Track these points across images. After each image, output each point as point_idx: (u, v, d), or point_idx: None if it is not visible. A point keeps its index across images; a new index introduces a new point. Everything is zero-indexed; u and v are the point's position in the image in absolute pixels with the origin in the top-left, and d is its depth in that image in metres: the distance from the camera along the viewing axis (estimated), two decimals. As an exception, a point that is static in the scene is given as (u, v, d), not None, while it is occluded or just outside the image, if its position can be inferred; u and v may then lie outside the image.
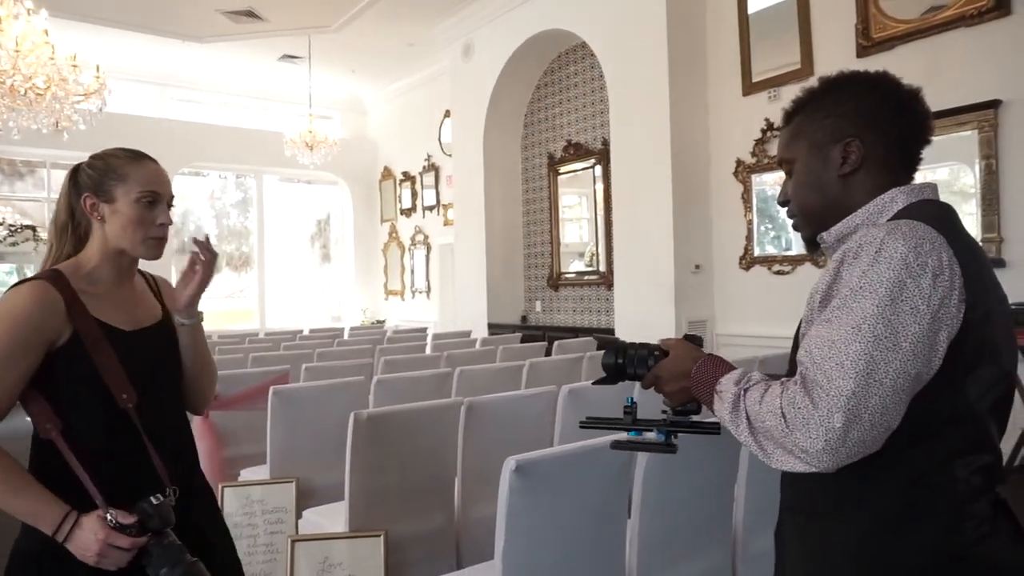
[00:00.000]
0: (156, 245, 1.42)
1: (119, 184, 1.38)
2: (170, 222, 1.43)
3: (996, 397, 0.97)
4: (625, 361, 1.14)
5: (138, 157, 1.43)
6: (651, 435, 1.15)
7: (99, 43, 8.94)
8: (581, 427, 1.21)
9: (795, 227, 1.17)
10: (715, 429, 1.13)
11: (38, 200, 9.99)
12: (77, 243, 1.42)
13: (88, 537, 1.21)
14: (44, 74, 5.47)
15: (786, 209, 1.18)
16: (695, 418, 1.13)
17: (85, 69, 5.85)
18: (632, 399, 1.17)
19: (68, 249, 1.42)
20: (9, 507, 1.23)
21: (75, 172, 1.43)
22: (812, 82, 1.17)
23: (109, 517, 1.23)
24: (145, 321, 1.45)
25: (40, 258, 8.81)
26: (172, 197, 1.46)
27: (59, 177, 10.17)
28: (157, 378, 1.42)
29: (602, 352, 1.20)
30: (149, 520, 1.25)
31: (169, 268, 9.17)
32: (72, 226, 1.42)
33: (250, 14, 8.44)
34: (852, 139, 1.06)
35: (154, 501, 1.26)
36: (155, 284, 1.56)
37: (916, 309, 0.88)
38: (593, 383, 1.22)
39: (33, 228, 9.12)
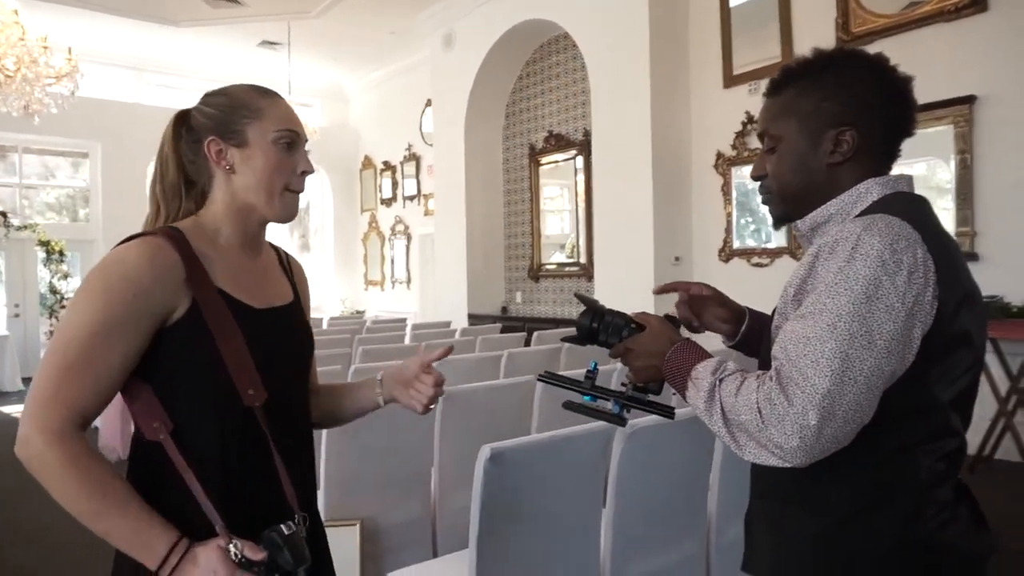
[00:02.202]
0: (294, 201, 1.15)
1: (253, 121, 1.10)
2: (312, 169, 1.16)
3: (964, 385, 0.97)
4: (600, 327, 1.12)
5: (267, 91, 1.14)
6: (607, 405, 1.13)
7: (72, 25, 8.75)
8: (539, 380, 1.18)
9: (766, 202, 1.14)
10: (670, 413, 1.13)
11: (9, 185, 9.79)
12: (193, 203, 1.14)
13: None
14: (14, 55, 5.34)
15: (759, 184, 1.14)
16: (652, 398, 1.12)
17: (57, 51, 5.72)
18: (595, 364, 1.15)
19: (186, 208, 1.14)
20: (104, 531, 0.95)
21: (184, 116, 1.14)
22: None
23: (233, 549, 0.95)
24: (276, 299, 1.16)
25: (11, 245, 8.54)
26: (307, 140, 1.18)
27: (31, 162, 9.97)
28: (288, 373, 1.13)
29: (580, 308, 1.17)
30: (279, 556, 0.97)
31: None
32: (186, 184, 1.13)
33: (228, -2, 8.31)
34: (847, 128, 1.02)
35: (285, 531, 0.98)
36: (287, 262, 1.28)
37: (891, 307, 0.88)
38: (562, 339, 1.21)
39: (4, 214, 8.93)
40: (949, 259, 0.94)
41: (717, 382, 0.96)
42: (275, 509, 1.05)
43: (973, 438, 4.29)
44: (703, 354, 1.03)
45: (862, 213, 1.00)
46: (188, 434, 1.02)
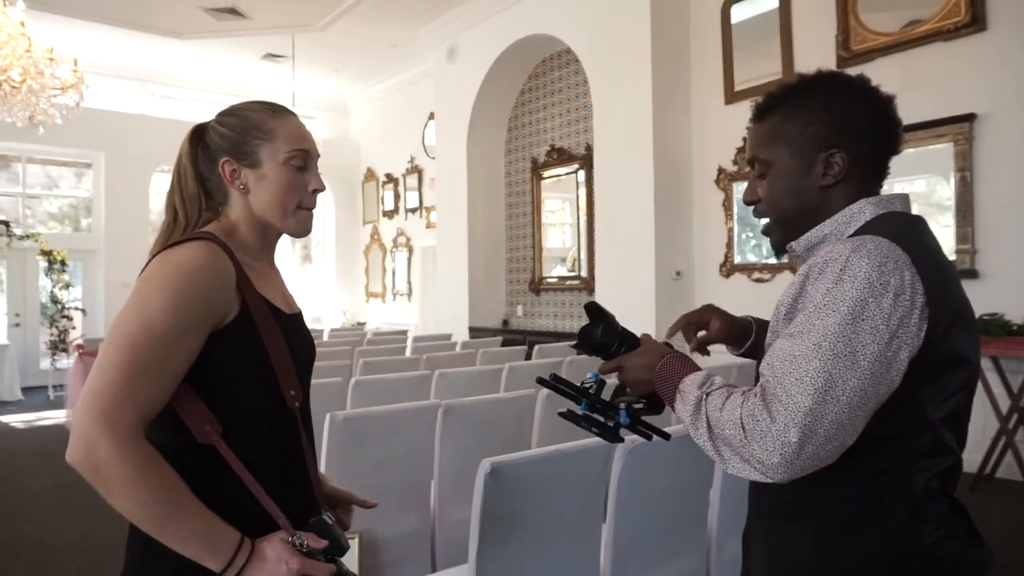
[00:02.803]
0: (307, 217, 1.17)
1: (264, 143, 1.12)
2: (323, 187, 1.18)
3: (957, 404, 0.98)
4: (615, 343, 1.12)
5: (278, 110, 1.17)
6: (600, 419, 1.12)
7: (78, 37, 8.83)
8: (537, 382, 1.18)
9: (765, 231, 1.15)
10: (666, 435, 1.15)
11: (12, 195, 9.82)
12: (211, 215, 1.16)
13: (276, 570, 0.96)
14: (20, 67, 5.39)
15: (752, 209, 1.15)
16: (647, 419, 1.13)
17: (62, 63, 5.77)
18: (597, 375, 1.15)
19: (206, 216, 1.15)
20: (171, 535, 0.94)
21: (200, 132, 1.16)
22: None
23: (297, 541, 0.99)
24: (295, 306, 1.22)
25: (13, 254, 8.56)
26: (319, 156, 1.21)
27: (34, 172, 10.01)
28: (307, 376, 1.18)
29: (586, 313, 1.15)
30: (330, 543, 1.03)
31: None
32: (204, 196, 1.15)
33: (233, 12, 8.37)
34: (837, 150, 1.03)
35: (328, 521, 1.05)
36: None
37: (876, 328, 0.89)
38: (573, 346, 1.20)
39: (6, 224, 8.96)
40: (940, 280, 0.95)
41: (703, 396, 0.98)
42: (306, 504, 1.09)
43: (975, 456, 4.28)
44: (691, 367, 1.05)
45: (855, 233, 1.01)
46: (236, 436, 1.02)
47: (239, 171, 1.13)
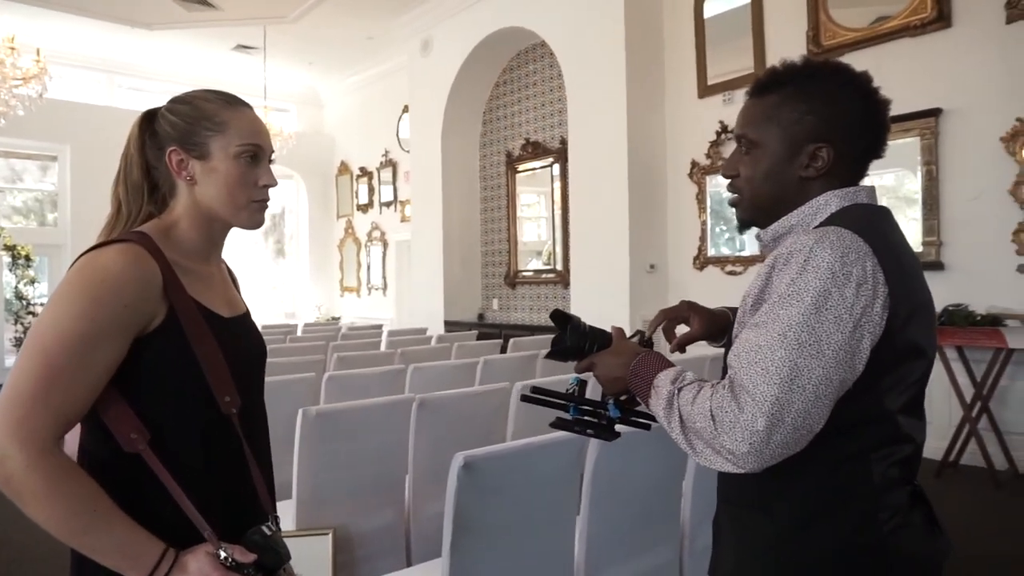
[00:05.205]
0: (259, 210, 1.14)
1: (215, 135, 1.08)
2: (274, 183, 1.14)
3: (914, 393, 1.00)
4: (586, 345, 1.12)
5: (233, 101, 1.12)
6: (605, 415, 1.13)
7: (41, 26, 8.61)
8: (523, 400, 1.18)
9: (733, 204, 1.15)
10: (647, 425, 1.15)
11: (-26, 188, 9.57)
12: (155, 206, 1.12)
13: None
14: (-20, 56, 5.23)
15: (729, 183, 1.14)
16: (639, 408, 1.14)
17: (25, 52, 5.62)
18: (578, 378, 1.15)
19: (147, 211, 1.11)
20: (89, 546, 0.93)
21: (150, 119, 1.12)
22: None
23: (223, 554, 0.96)
24: (237, 308, 1.18)
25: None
26: (273, 151, 1.18)
27: (-3, 165, 9.75)
28: (253, 380, 1.15)
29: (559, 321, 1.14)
30: (264, 555, 0.99)
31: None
32: (149, 186, 1.11)
33: (203, 2, 8.22)
34: (825, 145, 1.03)
35: (267, 532, 1.02)
36: (228, 270, 1.27)
37: (839, 318, 0.91)
38: (547, 356, 1.19)
39: (-32, 218, 8.73)
40: (901, 271, 0.97)
41: (676, 391, 0.99)
42: (251, 512, 1.06)
43: (939, 443, 4.38)
44: (665, 363, 1.05)
45: (821, 224, 1.02)
46: (167, 444, 1.00)
47: (187, 162, 1.09)
